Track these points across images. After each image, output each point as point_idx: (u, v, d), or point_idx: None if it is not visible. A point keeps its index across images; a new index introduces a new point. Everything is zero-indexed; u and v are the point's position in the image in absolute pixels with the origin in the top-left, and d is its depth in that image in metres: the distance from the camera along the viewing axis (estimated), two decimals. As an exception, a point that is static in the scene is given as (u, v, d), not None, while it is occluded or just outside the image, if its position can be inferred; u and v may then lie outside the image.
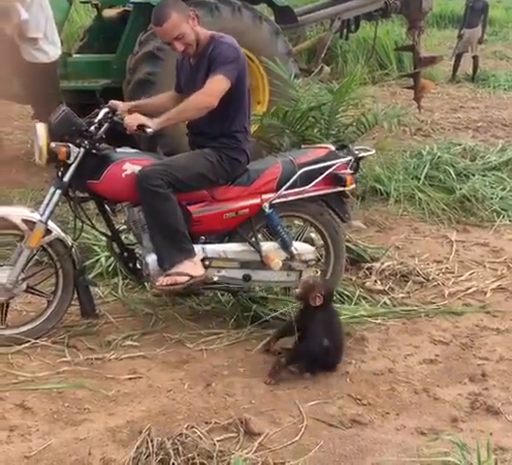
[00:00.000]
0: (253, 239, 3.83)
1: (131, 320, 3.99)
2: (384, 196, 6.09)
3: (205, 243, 3.80)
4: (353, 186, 3.96)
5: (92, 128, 3.64)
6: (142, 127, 3.55)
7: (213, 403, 3.21)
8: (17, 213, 3.67)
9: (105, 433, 2.96)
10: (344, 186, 3.89)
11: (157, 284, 3.63)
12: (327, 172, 3.85)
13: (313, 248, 3.99)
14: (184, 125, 3.95)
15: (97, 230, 3.96)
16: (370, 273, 4.62)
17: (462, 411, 3.20)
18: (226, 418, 3.06)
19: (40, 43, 5.68)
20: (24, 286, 3.68)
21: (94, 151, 3.63)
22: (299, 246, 3.93)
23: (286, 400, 3.26)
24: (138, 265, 3.81)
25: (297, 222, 4.55)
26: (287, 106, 6.01)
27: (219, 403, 3.21)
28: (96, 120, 3.69)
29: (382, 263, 4.70)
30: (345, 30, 9.35)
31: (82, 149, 3.59)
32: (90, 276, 4.20)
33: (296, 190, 3.83)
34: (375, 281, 4.50)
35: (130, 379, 3.41)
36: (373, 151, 4.22)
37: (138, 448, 2.69)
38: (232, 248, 3.81)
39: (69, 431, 2.98)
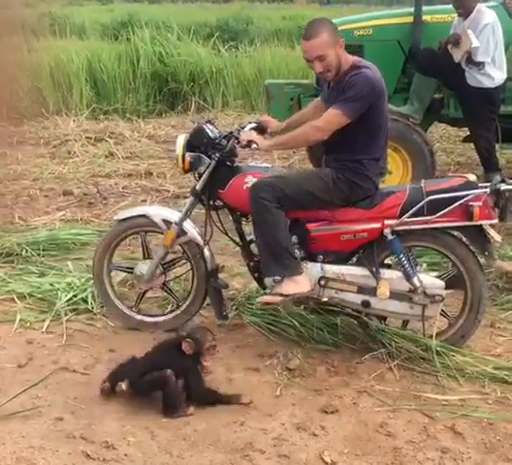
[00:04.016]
0: (374, 265, 3.67)
1: None
2: None
3: (324, 262, 3.73)
4: (486, 221, 3.57)
5: (224, 140, 3.77)
6: (250, 143, 3.68)
7: None
8: (161, 213, 3.98)
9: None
10: (471, 220, 3.55)
11: (258, 301, 3.78)
12: (456, 203, 3.55)
13: (442, 283, 3.68)
14: None
15: (229, 237, 4.02)
16: None
17: None
18: None
19: (486, 67, 5.70)
20: (161, 280, 3.99)
21: (227, 162, 3.79)
22: (425, 279, 3.66)
23: None
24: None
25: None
26: None
27: None
28: (234, 133, 3.82)
29: None
30: None
31: (213, 161, 3.76)
32: None
33: (421, 218, 3.61)
34: None
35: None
36: None
37: None
38: (351, 271, 3.72)
39: (503, 467, 2.91)
